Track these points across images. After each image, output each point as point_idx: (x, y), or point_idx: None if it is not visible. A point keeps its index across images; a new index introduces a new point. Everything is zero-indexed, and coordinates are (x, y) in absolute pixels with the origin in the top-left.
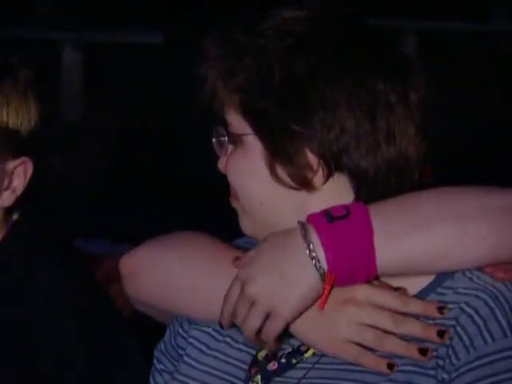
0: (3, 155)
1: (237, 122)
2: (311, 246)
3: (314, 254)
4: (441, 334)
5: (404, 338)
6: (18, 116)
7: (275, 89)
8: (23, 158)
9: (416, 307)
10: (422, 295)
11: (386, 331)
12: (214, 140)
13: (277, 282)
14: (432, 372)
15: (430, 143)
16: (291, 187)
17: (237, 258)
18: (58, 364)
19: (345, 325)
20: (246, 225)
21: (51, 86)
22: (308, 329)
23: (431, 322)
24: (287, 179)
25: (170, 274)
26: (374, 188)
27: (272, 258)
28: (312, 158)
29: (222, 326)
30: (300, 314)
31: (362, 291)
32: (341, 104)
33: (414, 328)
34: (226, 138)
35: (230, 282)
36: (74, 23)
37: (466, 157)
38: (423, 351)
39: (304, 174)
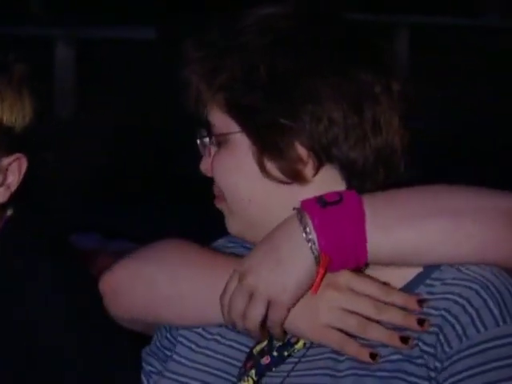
0: None
1: (221, 121)
2: (307, 229)
3: (310, 237)
4: (421, 322)
5: (386, 326)
6: (13, 112)
7: (262, 84)
8: (17, 155)
9: (397, 298)
10: (410, 287)
11: (367, 318)
12: (198, 142)
13: (274, 269)
14: (419, 361)
15: (419, 135)
16: (282, 181)
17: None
18: (58, 364)
19: (325, 310)
20: (232, 225)
21: (44, 82)
22: (294, 318)
23: (421, 311)
24: (277, 173)
25: (154, 284)
26: (363, 179)
27: (269, 247)
28: (302, 151)
29: (233, 327)
30: (298, 300)
31: (343, 276)
32: (328, 96)
33: (394, 316)
34: (209, 140)
35: (213, 285)
36: (67, 20)
37: (455, 149)
38: (405, 339)
39: (294, 167)
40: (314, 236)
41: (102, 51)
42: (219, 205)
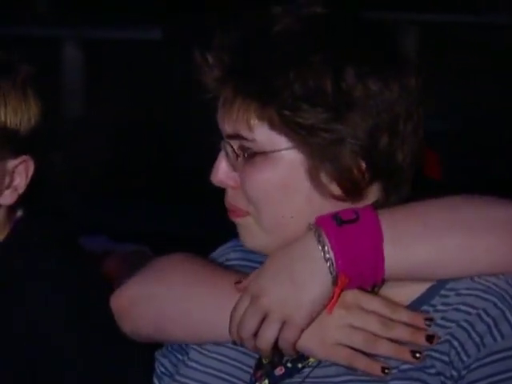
0: (2, 154)
1: (266, 137)
2: (326, 248)
3: (328, 256)
4: (429, 338)
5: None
6: (17, 115)
7: (327, 104)
8: (24, 157)
9: (404, 316)
10: (425, 298)
11: (374, 334)
12: (223, 154)
13: (289, 288)
14: (432, 370)
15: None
16: (336, 197)
17: (238, 282)
18: (58, 364)
19: (334, 328)
20: (257, 240)
21: (53, 83)
22: (304, 337)
23: (440, 321)
24: (335, 188)
25: (161, 304)
26: (398, 188)
27: (283, 265)
28: (362, 164)
29: (235, 343)
30: (313, 320)
31: (352, 295)
32: (390, 109)
33: (402, 332)
34: (243, 154)
35: (220, 302)
36: (75, 20)
37: (461, 145)
38: (415, 353)
39: (354, 181)
40: (332, 256)
41: (111, 51)
42: (239, 219)
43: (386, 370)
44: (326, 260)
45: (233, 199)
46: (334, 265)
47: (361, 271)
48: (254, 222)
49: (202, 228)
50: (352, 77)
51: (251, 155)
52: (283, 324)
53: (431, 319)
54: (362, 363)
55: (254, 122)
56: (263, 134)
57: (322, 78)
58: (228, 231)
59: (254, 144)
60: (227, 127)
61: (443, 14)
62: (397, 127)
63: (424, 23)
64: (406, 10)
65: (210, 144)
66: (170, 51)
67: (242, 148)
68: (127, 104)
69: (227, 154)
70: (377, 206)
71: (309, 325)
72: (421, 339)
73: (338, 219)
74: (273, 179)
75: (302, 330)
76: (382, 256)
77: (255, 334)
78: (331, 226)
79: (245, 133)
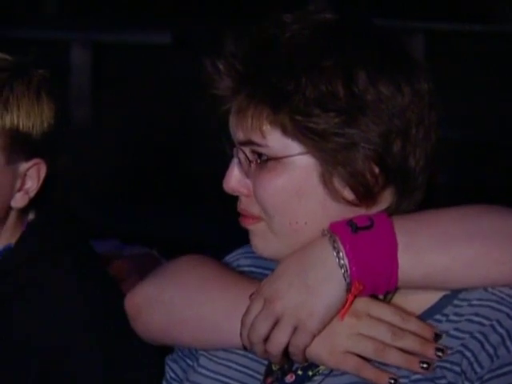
0: (14, 157)
1: (279, 143)
2: (340, 254)
3: (342, 262)
4: (439, 351)
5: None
6: (30, 118)
7: (339, 108)
8: (36, 160)
9: (414, 326)
10: (438, 307)
11: (384, 343)
12: (235, 161)
13: (303, 294)
14: (443, 381)
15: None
16: (350, 202)
17: (253, 294)
18: (69, 366)
19: (344, 335)
20: (271, 246)
21: (61, 86)
22: (314, 344)
23: (453, 332)
24: (349, 194)
25: (172, 308)
26: (411, 194)
27: (297, 270)
28: (375, 168)
29: (246, 349)
30: (325, 327)
31: (362, 303)
32: (402, 114)
33: (411, 342)
34: (256, 160)
35: (231, 308)
36: (83, 23)
37: (465, 154)
38: (423, 363)
39: (367, 185)
40: (346, 262)
41: (118, 55)
42: (251, 226)
43: (393, 381)
44: (341, 266)
45: (245, 206)
46: (349, 271)
47: (375, 278)
48: (266, 228)
49: (210, 233)
50: (364, 81)
51: (264, 161)
52: (295, 329)
53: (440, 336)
54: (370, 373)
55: (267, 128)
56: (276, 140)
57: (334, 82)
58: (237, 237)
59: (266, 150)
60: (240, 135)
61: (450, 22)
62: (409, 131)
63: (431, 32)
64: (412, 19)
65: (220, 149)
66: (179, 55)
67: (255, 154)
68: (136, 108)
69: (239, 161)
70: (390, 211)
71: (321, 331)
72: (430, 351)
73: (352, 225)
74: (286, 185)
75: (314, 336)
76: (397, 263)
77: (266, 339)
78: (346, 233)
79: (257, 139)
